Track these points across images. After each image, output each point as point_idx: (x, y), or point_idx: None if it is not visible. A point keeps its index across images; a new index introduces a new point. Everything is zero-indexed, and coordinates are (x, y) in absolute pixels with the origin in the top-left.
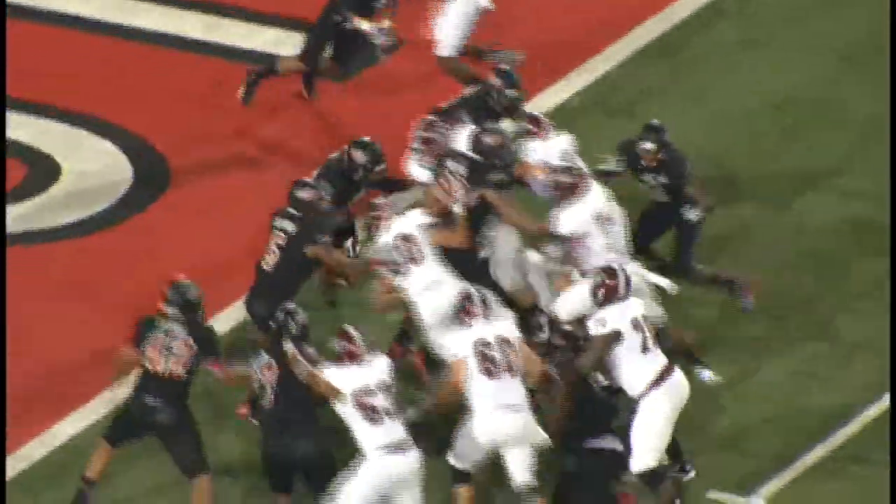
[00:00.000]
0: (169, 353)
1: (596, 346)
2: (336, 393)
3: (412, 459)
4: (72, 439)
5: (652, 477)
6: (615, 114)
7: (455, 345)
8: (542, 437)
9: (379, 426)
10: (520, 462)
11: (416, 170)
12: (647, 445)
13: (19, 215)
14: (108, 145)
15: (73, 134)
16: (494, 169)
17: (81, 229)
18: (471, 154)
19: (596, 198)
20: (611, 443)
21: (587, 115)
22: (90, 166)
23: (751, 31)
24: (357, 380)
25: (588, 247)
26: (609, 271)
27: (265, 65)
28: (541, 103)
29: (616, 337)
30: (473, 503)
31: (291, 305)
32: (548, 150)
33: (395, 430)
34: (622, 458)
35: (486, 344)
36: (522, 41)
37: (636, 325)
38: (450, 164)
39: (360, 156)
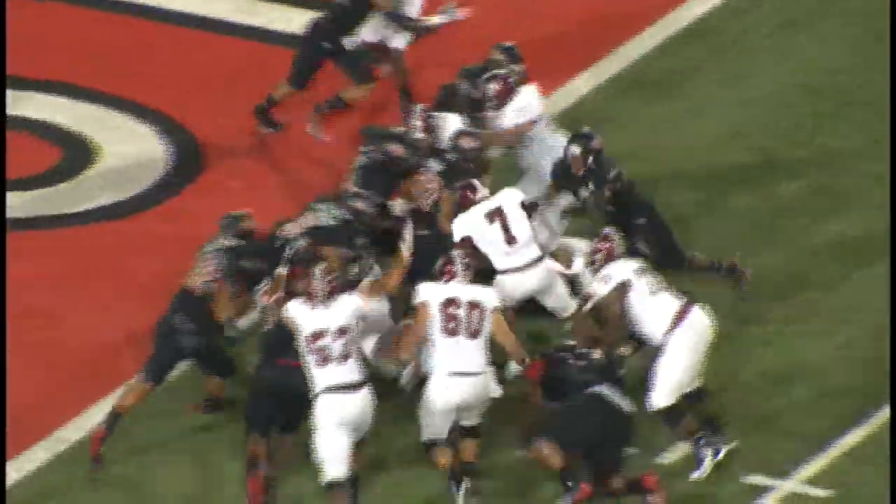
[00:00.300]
0: (198, 270)
1: (611, 307)
2: (295, 328)
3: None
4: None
5: (671, 414)
6: (651, 98)
7: (424, 292)
8: (496, 392)
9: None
10: (473, 415)
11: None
12: (667, 383)
13: (53, 198)
14: (143, 128)
15: (108, 117)
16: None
17: (116, 212)
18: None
19: None
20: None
21: (624, 98)
22: (125, 149)
23: (789, 12)
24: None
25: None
26: (602, 236)
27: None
28: (577, 87)
29: (625, 288)
30: (455, 460)
31: (296, 234)
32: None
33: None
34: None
35: (454, 302)
36: (559, 23)
37: (639, 272)
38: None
39: (396, 148)
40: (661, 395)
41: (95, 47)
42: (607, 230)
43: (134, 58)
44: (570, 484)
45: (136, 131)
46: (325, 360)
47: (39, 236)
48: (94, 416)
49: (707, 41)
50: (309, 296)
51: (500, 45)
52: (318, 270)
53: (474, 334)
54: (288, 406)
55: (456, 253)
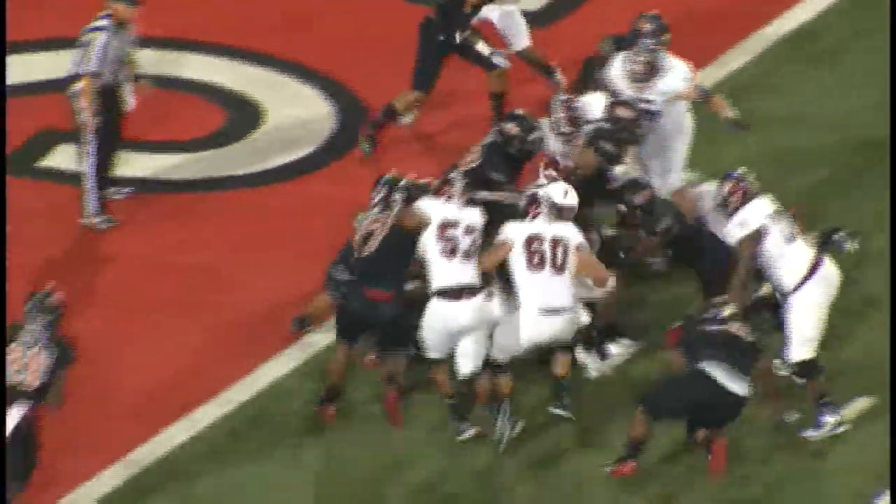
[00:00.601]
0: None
1: (744, 251)
2: (424, 221)
3: (469, 308)
4: (274, 382)
5: (807, 367)
6: (818, 62)
7: (508, 231)
8: (585, 320)
9: (450, 262)
10: (560, 357)
11: (557, 146)
12: (803, 335)
13: (220, 161)
14: (309, 91)
15: (275, 80)
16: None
17: (282, 175)
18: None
19: None
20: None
21: (791, 63)
22: (292, 112)
23: None
24: (446, 212)
25: None
26: (733, 178)
27: (382, 113)
28: (741, 52)
29: (761, 234)
30: (511, 390)
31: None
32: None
33: (464, 272)
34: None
35: (539, 238)
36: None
37: (775, 217)
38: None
39: (512, 127)
40: (799, 348)
41: (264, 12)
42: (733, 172)
43: (302, 22)
44: (629, 454)
45: (302, 94)
46: (452, 251)
47: (205, 198)
48: (259, 378)
49: (880, 4)
50: (444, 195)
51: (647, 15)
52: (458, 176)
53: (558, 267)
54: (381, 334)
55: (540, 194)
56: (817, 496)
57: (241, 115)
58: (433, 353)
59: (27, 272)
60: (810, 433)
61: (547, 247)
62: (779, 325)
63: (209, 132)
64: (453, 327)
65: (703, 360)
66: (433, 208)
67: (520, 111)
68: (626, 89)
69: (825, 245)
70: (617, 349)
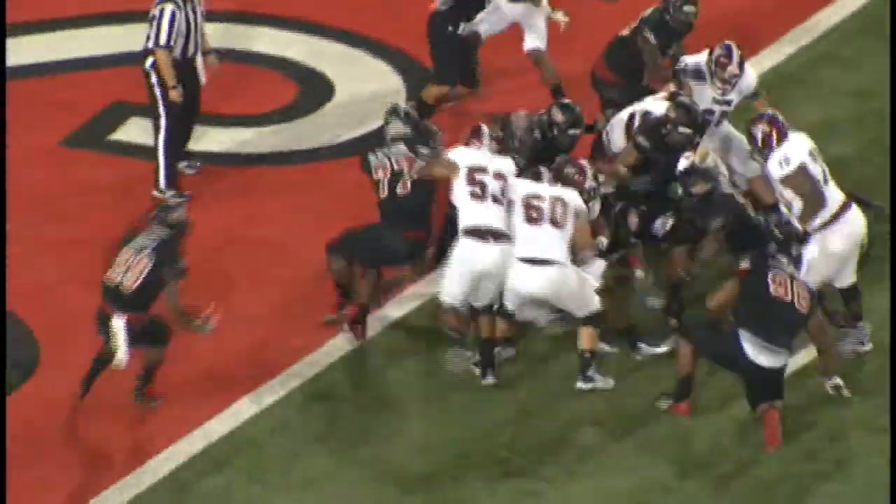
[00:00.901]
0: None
1: (794, 188)
2: (453, 167)
3: (495, 252)
4: (342, 357)
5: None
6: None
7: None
8: (595, 283)
9: (479, 204)
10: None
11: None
12: (813, 270)
13: (290, 135)
14: (382, 65)
15: (347, 53)
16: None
17: (352, 150)
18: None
19: None
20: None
21: (862, 37)
22: (364, 86)
23: None
24: (475, 158)
25: None
26: (767, 119)
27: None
28: (816, 23)
29: (805, 172)
30: (512, 331)
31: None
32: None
33: (492, 215)
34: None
35: (537, 196)
36: None
37: (814, 154)
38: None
39: (559, 115)
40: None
41: None
42: (765, 113)
43: None
44: (682, 394)
45: (373, 68)
46: (482, 194)
47: (274, 173)
48: (329, 352)
49: None
50: (474, 145)
51: None
52: (487, 131)
53: (556, 222)
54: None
55: (542, 167)
56: (885, 472)
57: (312, 90)
58: (449, 299)
59: (94, 245)
60: (860, 346)
61: (546, 204)
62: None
63: (280, 106)
64: (477, 268)
65: (741, 327)
66: (462, 155)
67: (570, 102)
68: (709, 91)
69: (861, 203)
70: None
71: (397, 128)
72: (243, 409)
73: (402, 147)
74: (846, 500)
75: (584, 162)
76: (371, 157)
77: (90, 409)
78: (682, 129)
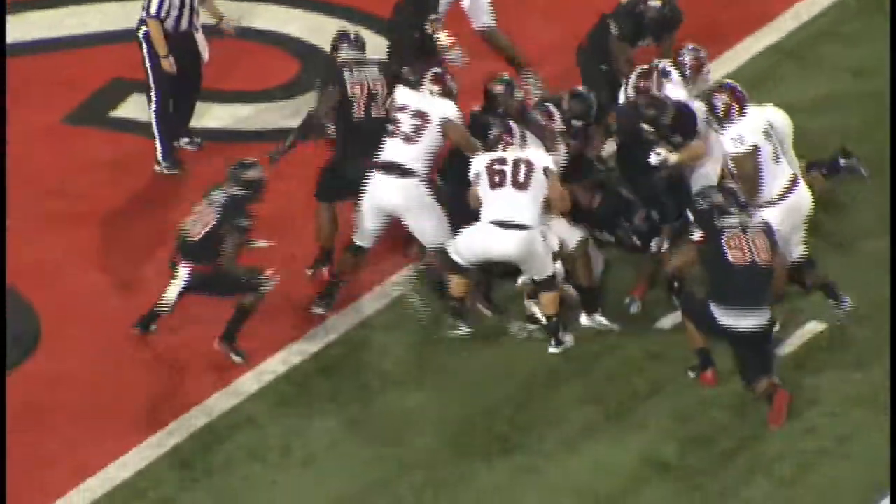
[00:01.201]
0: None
1: (744, 168)
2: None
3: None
4: (345, 333)
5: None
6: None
7: (475, 163)
8: (553, 246)
9: (391, 140)
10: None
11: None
12: None
13: (291, 112)
14: (382, 42)
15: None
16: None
17: None
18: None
19: None
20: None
21: (863, 14)
22: None
23: None
24: (404, 97)
25: None
26: (726, 88)
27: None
28: (818, 2)
29: (755, 154)
30: (466, 289)
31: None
32: None
33: (401, 152)
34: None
35: (501, 160)
36: None
37: (767, 133)
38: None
39: (570, 103)
40: None
41: None
42: (729, 82)
43: None
44: (703, 364)
45: (375, 44)
46: (393, 133)
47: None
48: (331, 329)
49: None
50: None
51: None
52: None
53: (520, 184)
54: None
55: (513, 125)
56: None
57: (314, 66)
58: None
59: (97, 221)
60: (842, 308)
61: (508, 167)
62: None
63: (281, 82)
64: (384, 204)
65: (711, 299)
66: (398, 94)
67: (583, 90)
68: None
69: (834, 171)
70: (588, 323)
71: (349, 52)
72: (244, 386)
73: (374, 70)
74: (847, 475)
75: (552, 108)
76: (346, 73)
77: (91, 385)
78: (574, 122)
